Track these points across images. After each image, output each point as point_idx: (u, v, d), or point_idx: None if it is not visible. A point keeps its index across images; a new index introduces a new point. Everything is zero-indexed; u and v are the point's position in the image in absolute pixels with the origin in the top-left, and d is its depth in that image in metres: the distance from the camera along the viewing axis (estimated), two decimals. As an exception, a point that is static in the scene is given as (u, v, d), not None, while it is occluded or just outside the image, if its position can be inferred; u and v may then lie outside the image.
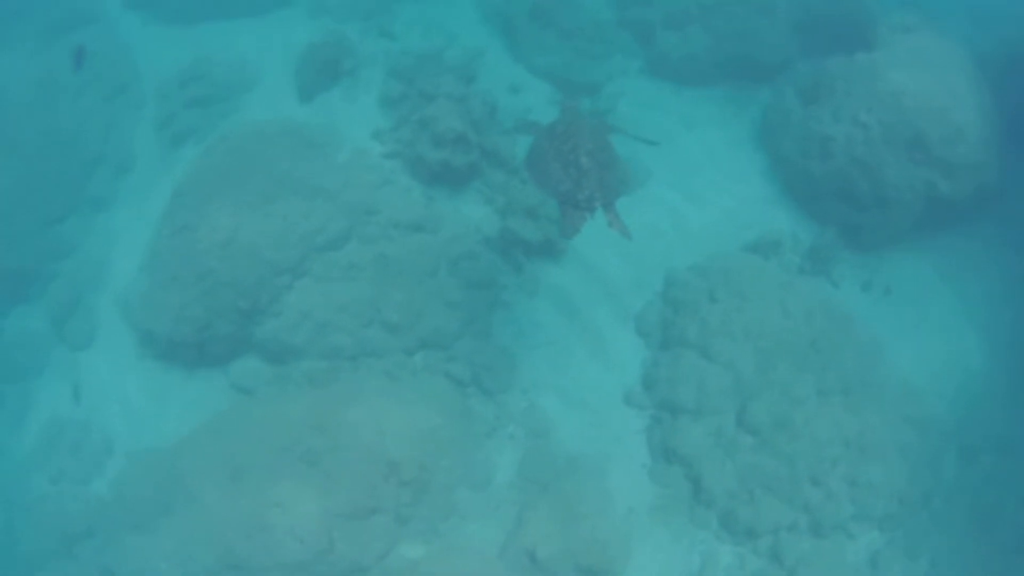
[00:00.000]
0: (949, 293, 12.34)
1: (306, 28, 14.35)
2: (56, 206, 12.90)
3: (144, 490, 10.51)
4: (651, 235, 12.57)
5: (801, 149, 12.79)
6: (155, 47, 14.42)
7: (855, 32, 13.20)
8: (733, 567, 10.45)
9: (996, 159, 12.29)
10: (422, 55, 13.66)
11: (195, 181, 12.11)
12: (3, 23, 14.52)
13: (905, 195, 12.08)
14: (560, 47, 14.23)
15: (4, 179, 12.92)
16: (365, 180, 12.17)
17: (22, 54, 14.13)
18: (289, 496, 9.95)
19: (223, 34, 14.39)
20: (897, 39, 13.07)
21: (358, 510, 10.03)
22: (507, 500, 10.70)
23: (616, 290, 12.18)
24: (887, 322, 12.04)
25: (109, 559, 10.09)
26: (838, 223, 12.58)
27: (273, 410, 10.92)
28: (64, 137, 13.19)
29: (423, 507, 10.44)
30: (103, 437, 11.38)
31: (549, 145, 8.77)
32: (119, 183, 13.20)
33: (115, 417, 11.55)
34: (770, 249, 12.33)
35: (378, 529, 10.08)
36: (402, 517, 10.26)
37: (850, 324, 11.65)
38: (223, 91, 13.53)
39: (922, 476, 10.82)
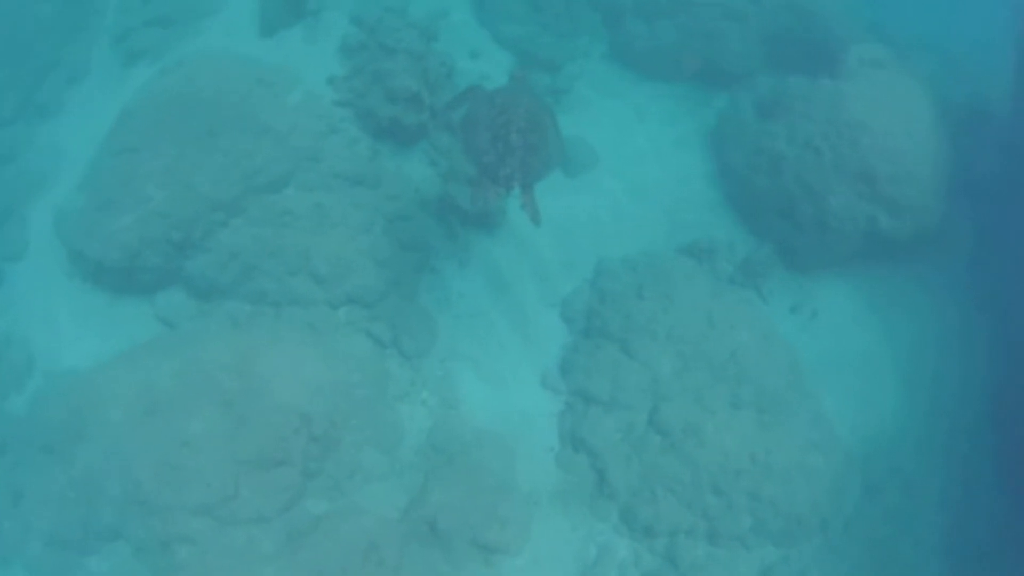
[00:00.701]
0: (876, 327, 12.55)
1: None
2: (5, 108, 12.66)
3: (59, 413, 10.45)
4: (588, 221, 12.70)
5: (750, 162, 12.89)
6: None
7: (822, 56, 13.20)
8: (627, 563, 10.69)
9: (941, 205, 12.42)
10: (387, 6, 13.33)
11: (144, 104, 11.93)
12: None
13: (846, 225, 12.24)
14: (527, 19, 14.08)
15: (-47, 78, 12.61)
16: (313, 126, 12.06)
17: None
18: (200, 436, 9.99)
19: None
20: (865, 72, 13.00)
21: (266, 460, 10.08)
22: (413, 465, 10.84)
23: (547, 271, 12.30)
24: (810, 346, 12.22)
25: (19, 479, 10.08)
26: (775, 240, 12.72)
27: (193, 347, 10.83)
28: (22, 40, 12.91)
29: (330, 463, 10.56)
30: (24, 353, 11.27)
31: (485, 113, 8.90)
32: (69, 93, 12.96)
33: (38, 334, 11.44)
34: (704, 254, 12.45)
35: (284, 481, 10.15)
36: (309, 471, 10.36)
37: (772, 342, 11.80)
38: (184, 14, 13.19)
39: (823, 502, 11.06)
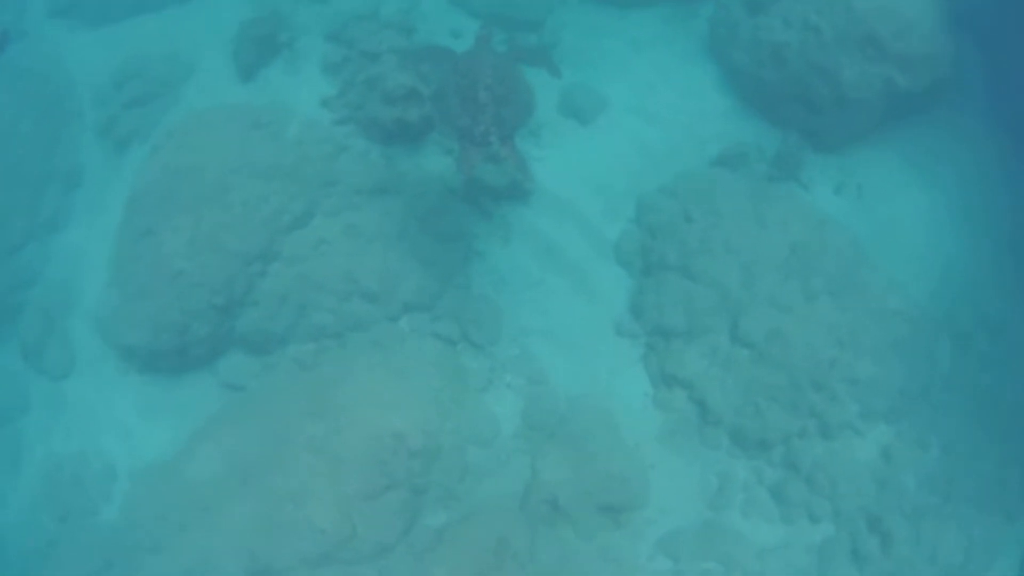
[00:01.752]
0: (921, 182, 11.37)
1: (235, 6, 12.77)
2: (12, 235, 11.52)
3: (154, 509, 9.70)
4: (616, 162, 11.56)
5: (754, 58, 11.65)
6: (86, 52, 12.82)
7: (787, -66, 12.17)
8: (751, 482, 9.91)
9: (949, 49, 11.18)
10: (357, 15, 12.22)
11: (148, 184, 10.98)
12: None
13: (864, 93, 11.03)
14: None
15: (-49, 217, 11.78)
16: (320, 151, 11.03)
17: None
18: (301, 488, 9.22)
19: (152, 27, 12.78)
20: (833, -63, 12.08)
21: (373, 489, 9.29)
22: (517, 450, 10.02)
23: (590, 222, 11.21)
24: (863, 220, 11.13)
25: (134, 587, 9.36)
26: (799, 128, 11.55)
27: (266, 402, 10.12)
28: (9, 163, 11.79)
29: (436, 473, 9.73)
30: (103, 463, 10.38)
31: (452, 80, 8.76)
32: (71, 199, 11.85)
33: (110, 440, 10.54)
34: (736, 161, 11.36)
35: (396, 504, 9.36)
36: (418, 488, 9.54)
37: (826, 226, 10.82)
38: (160, 86, 12.10)
39: (919, 367, 10.20)
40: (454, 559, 9.16)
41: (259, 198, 10.54)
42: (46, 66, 12.72)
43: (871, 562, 9.62)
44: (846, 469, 9.86)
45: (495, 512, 9.54)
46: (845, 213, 11.20)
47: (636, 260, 11.00)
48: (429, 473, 9.66)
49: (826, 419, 9.89)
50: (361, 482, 9.27)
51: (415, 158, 11.33)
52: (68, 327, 11.16)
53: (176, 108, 11.93)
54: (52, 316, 11.20)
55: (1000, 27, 11.63)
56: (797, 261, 10.45)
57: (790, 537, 9.79)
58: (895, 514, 9.71)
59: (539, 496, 9.56)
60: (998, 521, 9.82)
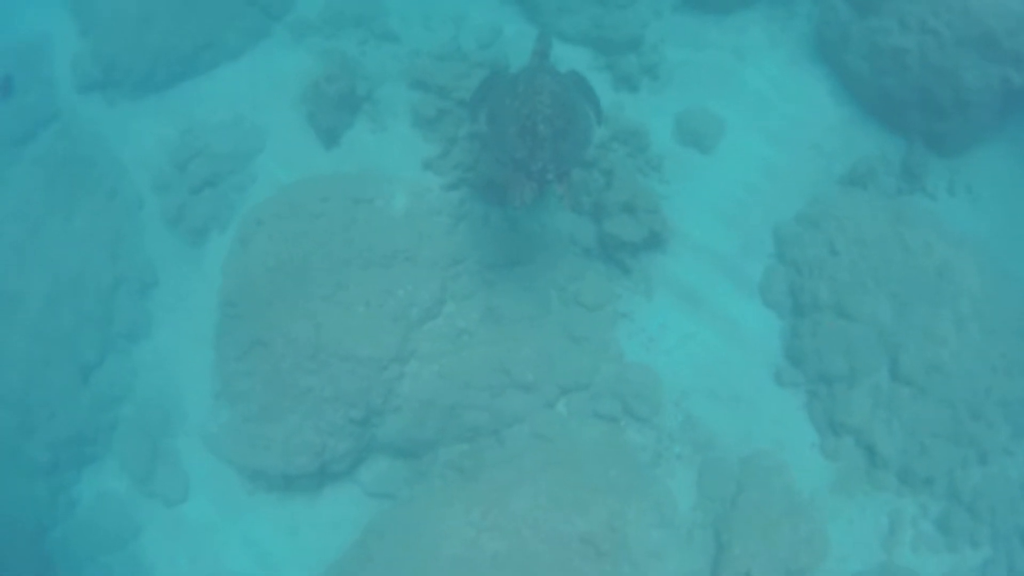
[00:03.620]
0: (1035, 179, 10.15)
1: (295, 55, 10.02)
2: (87, 351, 8.76)
3: None
4: (745, 191, 9.45)
5: (872, 65, 9.64)
6: (132, 128, 9.83)
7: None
8: (918, 517, 8.43)
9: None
10: (438, 53, 9.62)
11: (243, 285, 8.43)
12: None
13: (984, 95, 9.34)
14: (583, 3, 10.14)
15: (17, 341, 8.61)
16: (436, 224, 8.61)
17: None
18: None
19: (205, 92, 9.90)
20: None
21: None
22: (697, 524, 8.22)
23: (730, 262, 9.15)
24: (982, 223, 9.44)
25: None
26: (921, 134, 9.70)
27: (427, 515, 7.92)
28: (68, 270, 8.92)
29: (624, 566, 7.76)
30: (241, 589, 8.44)
31: (509, 104, 7.30)
32: (148, 303, 9.14)
33: (248, 565, 8.30)
34: (866, 178, 9.43)
35: None
36: None
37: (965, 242, 9.13)
38: (230, 162, 9.28)
39: None
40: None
41: (382, 291, 8.22)
42: (88, 149, 9.72)
43: (1026, 578, 8.92)
44: (1002, 491, 8.55)
45: (689, 596, 8.05)
46: (963, 218, 9.46)
47: (785, 300, 9.08)
48: (618, 566, 7.76)
49: (984, 447, 8.51)
50: (553, 596, 7.63)
51: (540, 217, 8.95)
52: (174, 446, 8.73)
53: (255, 187, 9.28)
54: (153, 435, 8.72)
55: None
56: (946, 284, 8.77)
57: (955, 565, 8.43)
58: (1047, 528, 8.94)
59: (732, 572, 7.85)
60: None
